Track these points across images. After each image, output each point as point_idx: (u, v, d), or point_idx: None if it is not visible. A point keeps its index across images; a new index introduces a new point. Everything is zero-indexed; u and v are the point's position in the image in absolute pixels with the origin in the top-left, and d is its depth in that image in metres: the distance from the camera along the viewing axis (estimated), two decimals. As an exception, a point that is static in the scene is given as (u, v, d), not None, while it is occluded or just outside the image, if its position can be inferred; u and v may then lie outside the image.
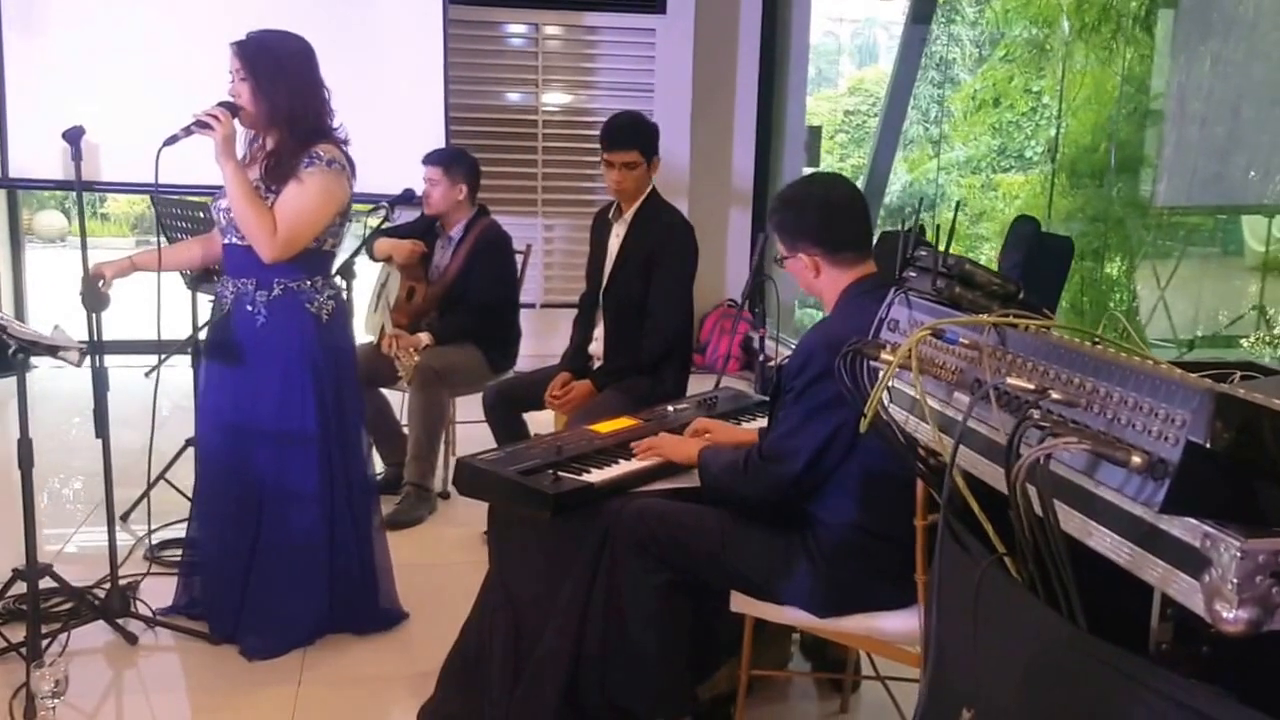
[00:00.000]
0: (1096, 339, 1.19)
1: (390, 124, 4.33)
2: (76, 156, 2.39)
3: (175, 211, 3.27)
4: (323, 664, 2.49)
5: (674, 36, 5.45)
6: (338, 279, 3.31)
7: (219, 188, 2.39)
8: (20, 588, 2.43)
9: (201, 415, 2.65)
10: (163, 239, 2.74)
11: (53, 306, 4.97)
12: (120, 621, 2.53)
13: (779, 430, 1.90)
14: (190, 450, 3.28)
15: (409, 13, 4.58)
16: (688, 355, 3.16)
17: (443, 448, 3.57)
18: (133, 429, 3.34)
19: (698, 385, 3.13)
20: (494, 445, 2.70)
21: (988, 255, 6.62)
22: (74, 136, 2.39)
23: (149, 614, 2.60)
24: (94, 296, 2.39)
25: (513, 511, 2.12)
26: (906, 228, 1.57)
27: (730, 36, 5.61)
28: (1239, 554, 0.88)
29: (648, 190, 3.06)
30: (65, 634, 2.46)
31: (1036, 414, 1.05)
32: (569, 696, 2.01)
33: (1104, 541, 1.02)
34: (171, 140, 2.27)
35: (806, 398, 1.84)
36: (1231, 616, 0.89)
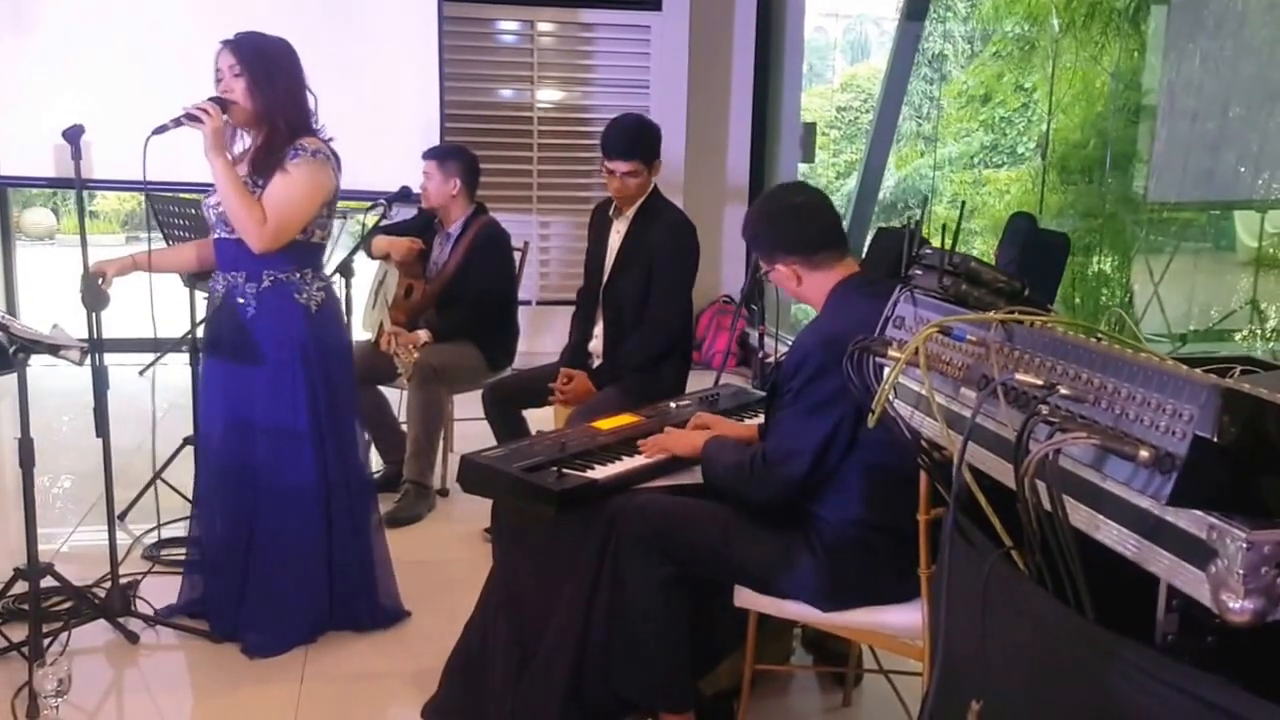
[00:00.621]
0: (1099, 334, 1.21)
1: (386, 122, 4.33)
2: (76, 155, 2.39)
3: (173, 210, 3.26)
4: (325, 661, 2.49)
5: (669, 33, 5.46)
6: (336, 276, 3.31)
7: (212, 185, 2.41)
8: (19, 588, 2.43)
9: (200, 412, 2.65)
10: (159, 237, 2.75)
11: (43, 305, 4.96)
12: (121, 620, 2.53)
13: (780, 432, 1.91)
14: (188, 449, 3.28)
15: (404, 11, 4.57)
16: (688, 353, 3.17)
17: (441, 445, 3.58)
18: (127, 428, 3.33)
19: (694, 382, 3.15)
20: (492, 442, 2.71)
21: (979, 250, 6.65)
22: (74, 135, 2.39)
23: (150, 613, 2.60)
24: (94, 295, 2.39)
25: (516, 508, 2.12)
26: (908, 225, 1.58)
27: (725, 33, 5.61)
28: (1245, 545, 0.89)
29: (648, 190, 3.07)
30: (66, 633, 2.46)
31: (1045, 409, 1.07)
32: (573, 692, 2.02)
33: (1111, 534, 1.03)
34: (160, 130, 2.29)
35: (805, 397, 1.85)
36: (1238, 607, 0.90)
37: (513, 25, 5.42)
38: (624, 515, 1.98)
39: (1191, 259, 5.69)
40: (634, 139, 2.98)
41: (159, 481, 3.30)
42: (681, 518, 1.97)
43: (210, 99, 2.35)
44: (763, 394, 2.64)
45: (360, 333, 3.72)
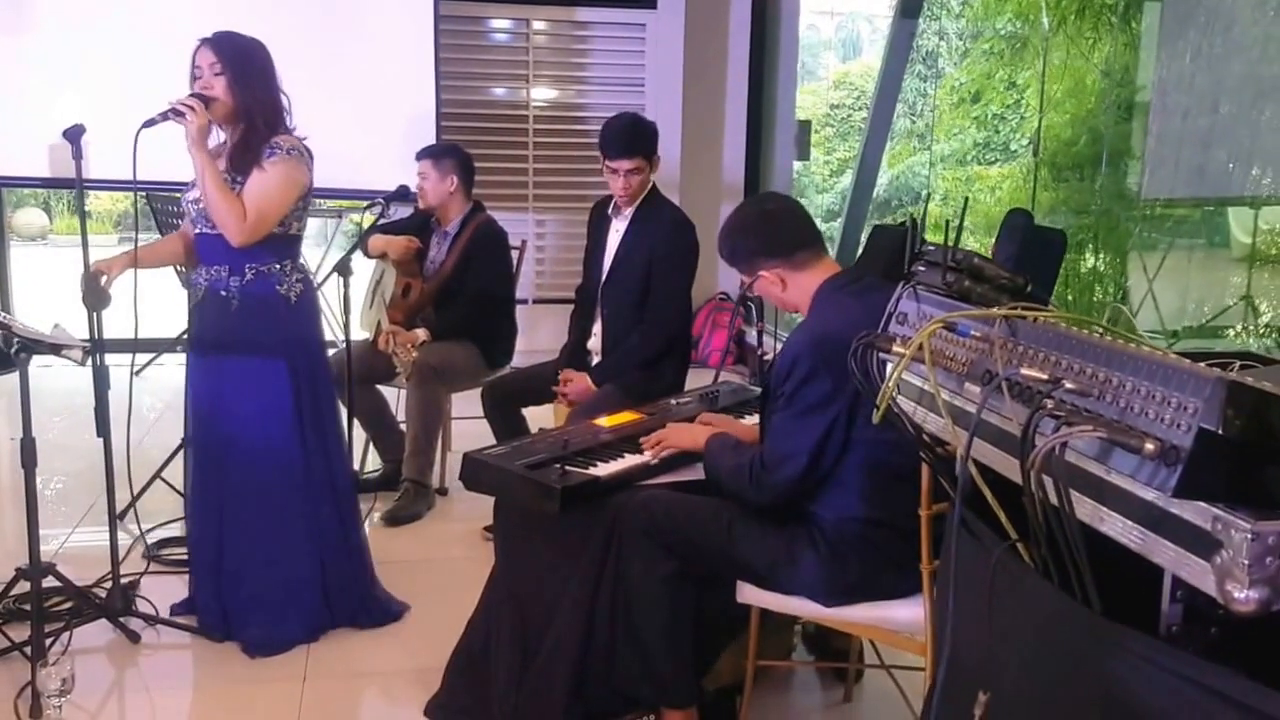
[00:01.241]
0: (1101, 329, 1.22)
1: (383, 121, 4.34)
2: (78, 155, 2.40)
3: (171, 209, 3.26)
4: (327, 660, 2.49)
5: (664, 31, 5.46)
6: (335, 275, 3.30)
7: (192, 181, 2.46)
8: (20, 588, 2.43)
9: (189, 408, 2.66)
10: (151, 236, 2.76)
11: (37, 305, 4.94)
12: (122, 620, 2.53)
13: (775, 436, 1.91)
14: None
15: (399, 9, 4.57)
16: (687, 351, 3.18)
17: (439, 444, 3.58)
18: (123, 428, 3.33)
19: (693, 379, 3.16)
20: (490, 441, 2.71)
21: (972, 246, 6.65)
22: (75, 135, 2.40)
23: (151, 613, 2.60)
24: (95, 295, 2.39)
25: (519, 506, 2.13)
26: (910, 221, 1.59)
27: (720, 31, 5.62)
28: (1250, 536, 0.91)
29: (648, 187, 3.07)
30: (68, 633, 2.46)
31: (1050, 403, 1.08)
32: (576, 689, 2.03)
33: (1116, 526, 1.05)
34: (149, 123, 2.34)
35: (798, 400, 1.86)
36: (1243, 597, 0.92)
37: (507, 24, 5.42)
38: (627, 512, 1.99)
39: (1185, 255, 5.72)
40: (633, 136, 2.98)
41: (158, 481, 3.31)
42: (684, 514, 1.98)
43: (192, 95, 2.39)
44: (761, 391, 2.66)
45: (359, 332, 3.73)
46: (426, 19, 4.57)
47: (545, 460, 2.10)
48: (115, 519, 2.62)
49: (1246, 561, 0.91)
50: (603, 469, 2.10)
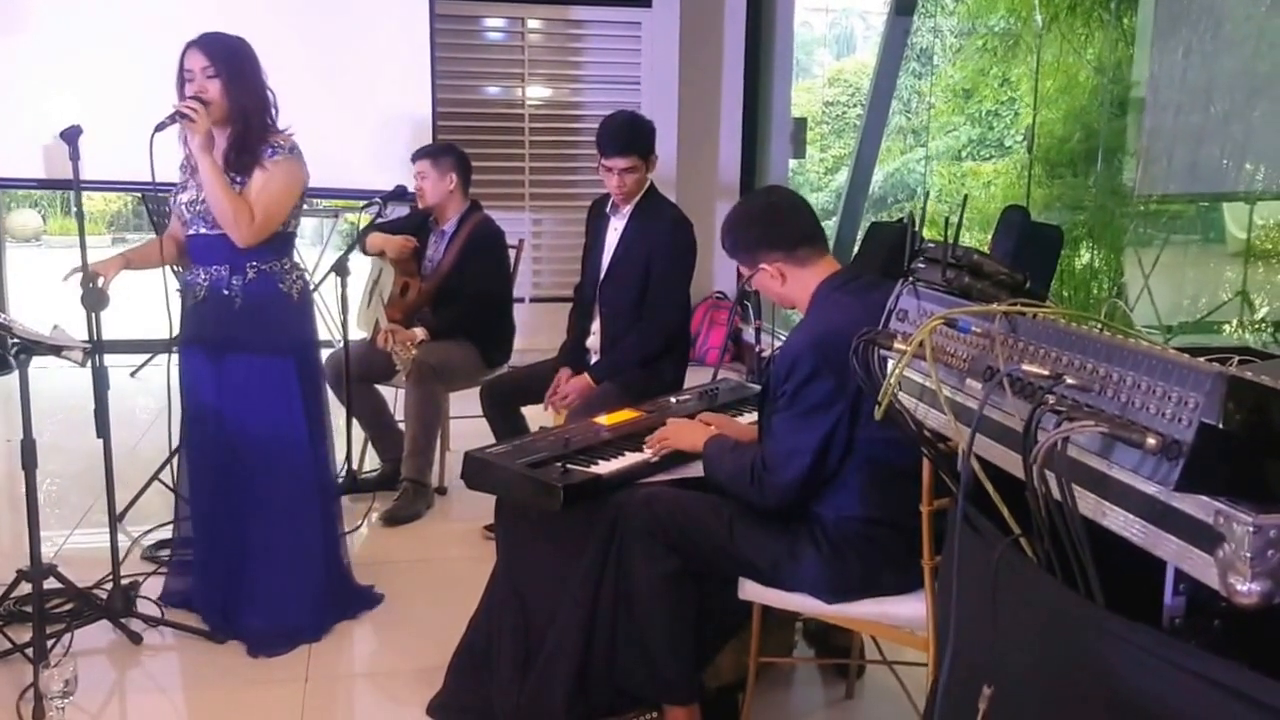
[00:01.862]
0: (1101, 325, 1.23)
1: (379, 121, 4.33)
2: (75, 156, 2.40)
3: (166, 210, 3.26)
4: (329, 660, 2.50)
5: (659, 29, 5.46)
6: (332, 274, 3.31)
7: (175, 183, 2.47)
8: (21, 589, 2.43)
9: (186, 407, 2.64)
10: (148, 236, 2.76)
11: (32, 307, 4.92)
12: (124, 621, 2.53)
13: (776, 437, 1.91)
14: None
15: (394, 8, 4.56)
16: (686, 348, 3.18)
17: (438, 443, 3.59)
18: (121, 429, 3.32)
19: (691, 377, 3.16)
20: (489, 440, 2.71)
21: (967, 242, 6.66)
22: (72, 136, 2.40)
23: (153, 613, 2.60)
24: (94, 296, 2.39)
25: (521, 504, 2.14)
26: (909, 218, 1.60)
27: (715, 29, 5.62)
28: (1252, 529, 0.92)
29: (646, 186, 3.08)
30: (69, 634, 2.46)
31: (1052, 399, 1.09)
32: (579, 686, 2.04)
33: (1118, 520, 1.06)
34: (160, 127, 2.35)
35: (800, 401, 1.86)
36: (1245, 589, 0.92)
37: (502, 22, 5.42)
38: (629, 510, 2.00)
39: (1181, 251, 5.73)
40: (630, 135, 2.98)
41: (156, 482, 3.30)
42: (686, 512, 1.98)
43: (191, 97, 2.39)
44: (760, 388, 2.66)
45: (356, 331, 3.73)
46: (422, 18, 4.56)
47: (547, 459, 2.10)
48: (115, 520, 2.62)
49: (1249, 555, 0.92)
50: (604, 467, 2.11)
